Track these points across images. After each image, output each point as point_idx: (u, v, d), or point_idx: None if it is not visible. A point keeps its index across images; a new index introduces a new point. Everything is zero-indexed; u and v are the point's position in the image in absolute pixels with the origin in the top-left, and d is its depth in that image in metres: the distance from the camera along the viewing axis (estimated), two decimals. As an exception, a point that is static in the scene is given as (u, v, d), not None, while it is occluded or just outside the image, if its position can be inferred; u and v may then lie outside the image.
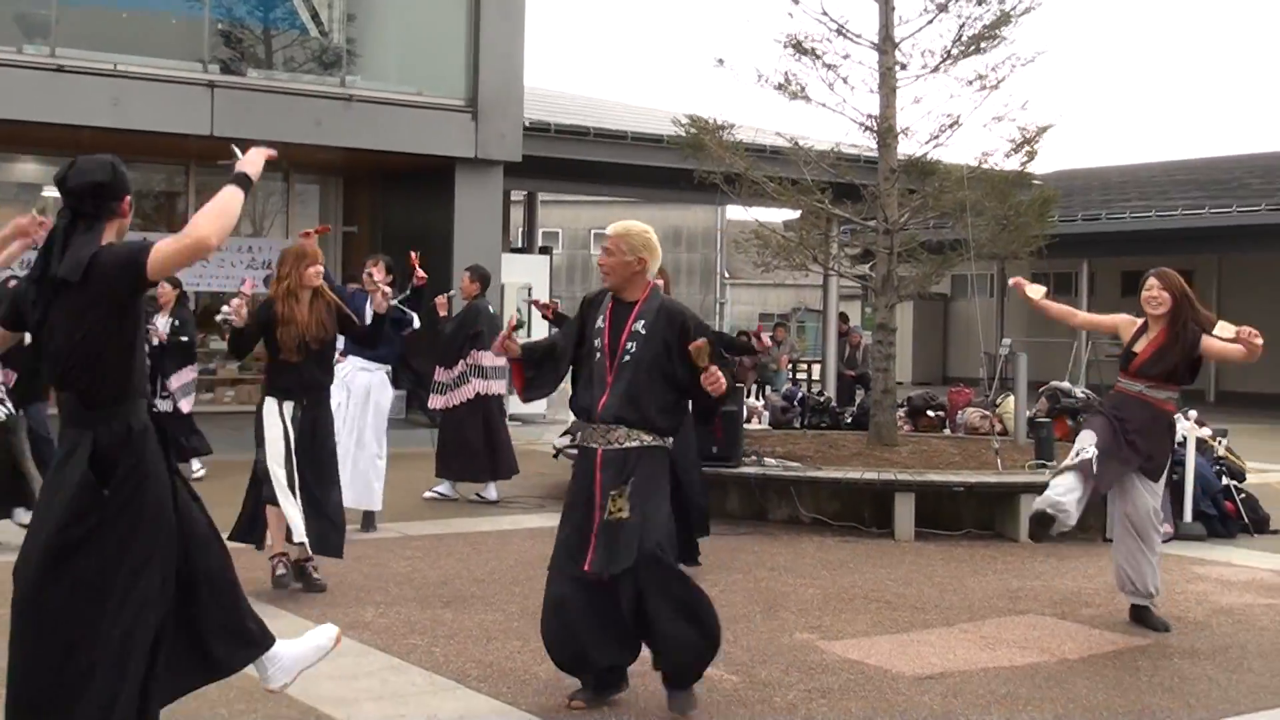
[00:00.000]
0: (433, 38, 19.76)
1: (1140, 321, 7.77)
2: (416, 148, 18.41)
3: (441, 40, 19.48)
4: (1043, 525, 7.47)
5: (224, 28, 18.19)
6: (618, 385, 5.83)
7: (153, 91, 16.63)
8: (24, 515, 9.03)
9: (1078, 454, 7.52)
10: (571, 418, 10.09)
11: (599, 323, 5.99)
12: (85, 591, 4.30)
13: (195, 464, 13.12)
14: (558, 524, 6.02)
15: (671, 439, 5.95)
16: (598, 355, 5.93)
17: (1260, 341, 7.34)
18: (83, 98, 16.18)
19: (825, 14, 13.20)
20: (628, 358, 5.85)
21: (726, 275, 54.42)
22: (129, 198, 4.79)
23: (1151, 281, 7.66)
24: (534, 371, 6.16)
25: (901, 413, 14.89)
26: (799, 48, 13.27)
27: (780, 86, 13.35)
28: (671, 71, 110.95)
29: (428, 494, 12.19)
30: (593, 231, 58.29)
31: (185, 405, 13.08)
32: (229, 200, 4.58)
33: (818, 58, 13.27)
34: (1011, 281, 8.39)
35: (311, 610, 7.61)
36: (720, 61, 13.45)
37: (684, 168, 14.27)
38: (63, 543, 4.31)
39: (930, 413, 15.56)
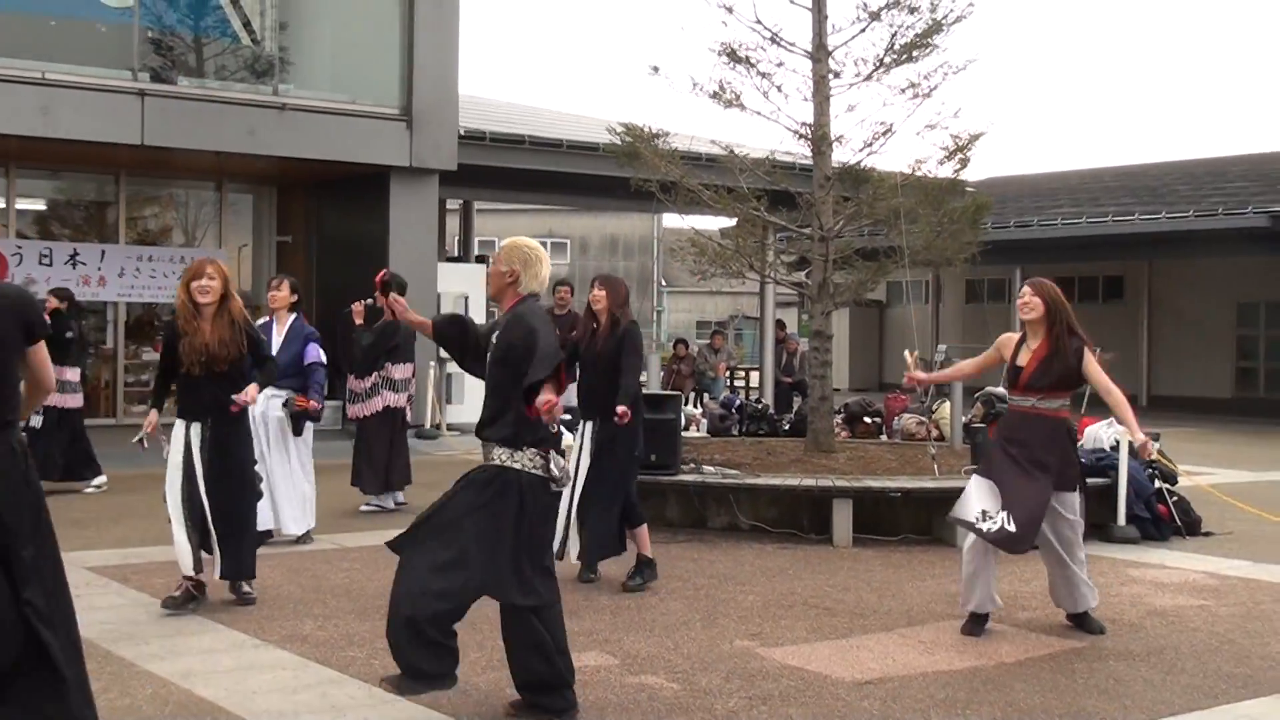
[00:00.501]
0: (366, 46, 19.67)
1: (1018, 336, 7.87)
2: (351, 156, 18.31)
3: (375, 48, 19.40)
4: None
5: (154, 35, 18.00)
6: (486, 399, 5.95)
7: (82, 100, 16.45)
8: None
9: (986, 522, 7.45)
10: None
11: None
12: None
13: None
14: None
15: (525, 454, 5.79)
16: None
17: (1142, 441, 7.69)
18: (11, 106, 15.98)
19: (759, 22, 13.25)
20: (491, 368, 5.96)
21: (664, 283, 54.54)
22: None
23: (1025, 289, 7.79)
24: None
25: (839, 419, 14.97)
26: (733, 56, 13.31)
27: (715, 95, 13.38)
28: (607, 80, 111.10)
29: (364, 507, 12.11)
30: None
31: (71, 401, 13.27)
32: None
33: (752, 66, 13.31)
34: (906, 377, 8.50)
35: (249, 624, 7.54)
36: (655, 69, 13.46)
37: (620, 176, 14.28)
38: None
39: (867, 419, 15.65)
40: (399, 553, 5.78)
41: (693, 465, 11.47)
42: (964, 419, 14.13)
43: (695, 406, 16.53)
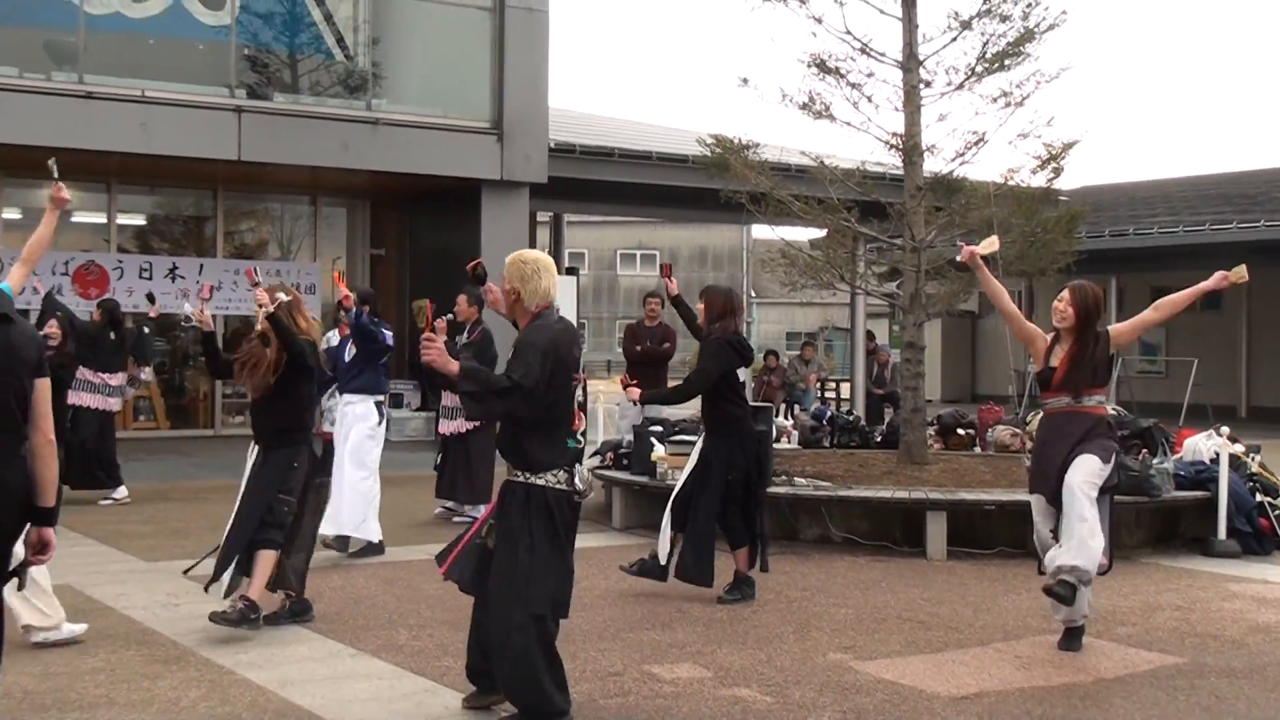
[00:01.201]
0: (458, 60, 19.85)
1: (1051, 336, 7.80)
2: (442, 170, 18.49)
3: (466, 63, 19.58)
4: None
5: (250, 53, 18.32)
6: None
7: (180, 117, 16.77)
8: None
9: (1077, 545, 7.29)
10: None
11: None
12: None
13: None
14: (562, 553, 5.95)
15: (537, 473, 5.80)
16: None
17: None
18: (111, 124, 16.33)
19: (849, 33, 13.21)
20: None
21: (753, 294, 54.43)
22: None
23: (1064, 294, 7.72)
24: None
25: (931, 431, 14.82)
26: (823, 67, 13.27)
27: (805, 106, 13.35)
28: (695, 91, 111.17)
29: (457, 519, 12.17)
30: (619, 252, 58.40)
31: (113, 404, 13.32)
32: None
33: (842, 76, 13.27)
34: (963, 252, 8.28)
35: (345, 633, 7.62)
36: (744, 81, 13.44)
37: (709, 187, 14.28)
38: None
39: (960, 431, 15.48)
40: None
41: (784, 477, 11.42)
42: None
43: (786, 418, 16.44)
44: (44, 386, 4.64)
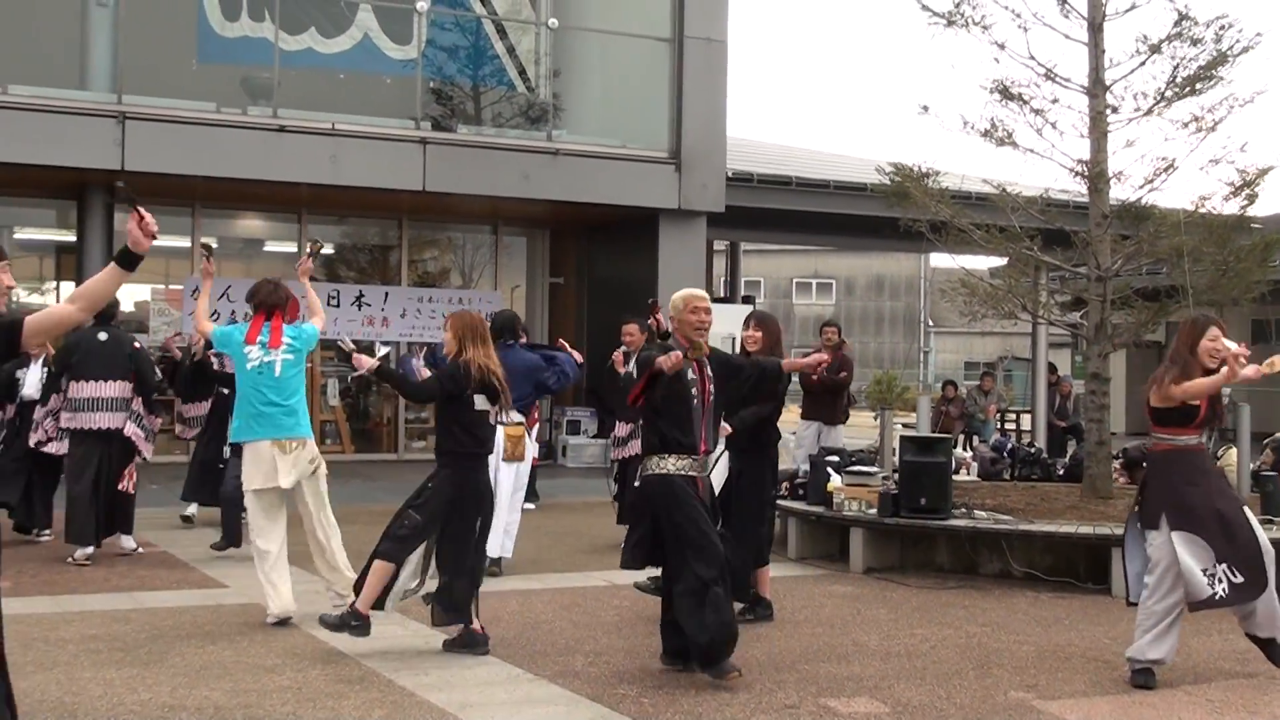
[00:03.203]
0: (636, 91, 20.06)
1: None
2: (621, 199, 18.67)
3: (645, 93, 19.76)
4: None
5: (435, 86, 18.78)
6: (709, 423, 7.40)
7: (368, 149, 17.23)
8: None
9: (1217, 586, 7.24)
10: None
11: (690, 373, 7.29)
12: None
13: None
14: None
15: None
16: (695, 400, 7.30)
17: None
18: (303, 156, 16.86)
19: (1033, 58, 12.99)
20: (711, 399, 7.44)
21: (931, 323, 53.77)
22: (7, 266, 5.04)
23: (1216, 330, 7.50)
24: None
25: (1116, 464, 14.44)
26: (1005, 93, 13.08)
27: (986, 133, 13.16)
28: (870, 119, 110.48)
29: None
30: (795, 280, 58.23)
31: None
32: (108, 282, 4.91)
33: (1025, 103, 13.05)
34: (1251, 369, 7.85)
35: (523, 657, 7.69)
36: (924, 108, 13.32)
37: (888, 216, 14.17)
38: None
39: (1146, 464, 15.04)
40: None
41: (964, 510, 11.25)
42: (1252, 466, 13.47)
43: (965, 450, 16.19)
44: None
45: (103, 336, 11.09)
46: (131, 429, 11.06)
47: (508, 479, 10.42)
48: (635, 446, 12.01)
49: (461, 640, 7.84)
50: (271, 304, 8.68)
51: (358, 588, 7.79)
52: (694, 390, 7.31)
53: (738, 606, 8.43)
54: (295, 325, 8.82)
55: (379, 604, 7.72)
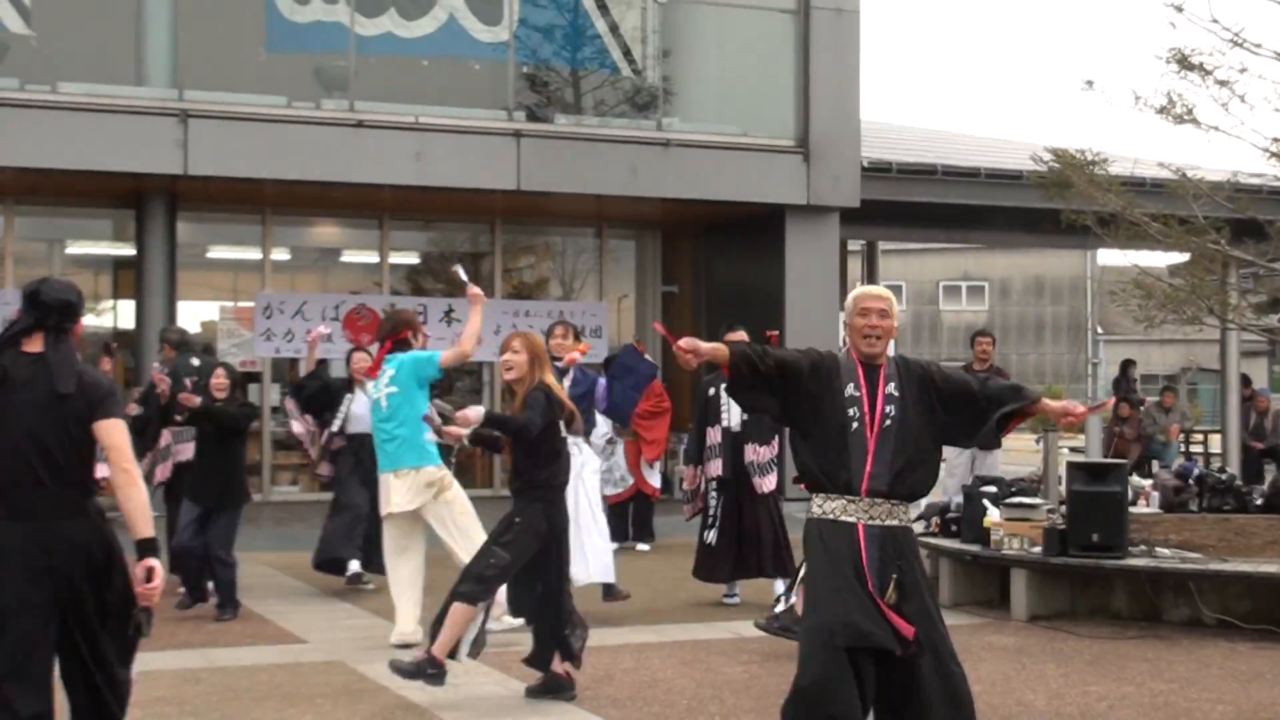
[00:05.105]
0: (757, 71, 20.00)
1: None
2: (741, 195, 18.63)
3: (767, 74, 19.71)
4: None
5: (529, 71, 18.85)
6: (881, 453, 5.97)
7: (456, 144, 17.33)
8: None
9: None
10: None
11: (850, 389, 6.04)
12: None
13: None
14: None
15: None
16: (855, 424, 6.00)
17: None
18: (384, 154, 16.99)
19: (1216, 22, 12.78)
20: (889, 423, 6.00)
21: (1099, 330, 53.08)
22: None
23: None
24: None
25: (1324, 492, 14.15)
26: (1184, 63, 12.89)
27: (1162, 109, 12.99)
28: (1023, 97, 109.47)
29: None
30: (941, 284, 57.80)
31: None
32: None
33: (1208, 73, 12.86)
34: None
35: (640, 716, 7.68)
36: (1089, 84, 13.21)
37: (1048, 208, 14.03)
38: None
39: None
40: None
41: (1144, 547, 11.06)
42: None
43: (1145, 476, 15.93)
44: (110, 426, 5.38)
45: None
46: None
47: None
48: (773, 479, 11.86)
49: (545, 685, 8.01)
50: (383, 335, 9.91)
51: (434, 633, 7.90)
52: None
53: None
54: (400, 354, 9.75)
55: (454, 653, 7.85)
